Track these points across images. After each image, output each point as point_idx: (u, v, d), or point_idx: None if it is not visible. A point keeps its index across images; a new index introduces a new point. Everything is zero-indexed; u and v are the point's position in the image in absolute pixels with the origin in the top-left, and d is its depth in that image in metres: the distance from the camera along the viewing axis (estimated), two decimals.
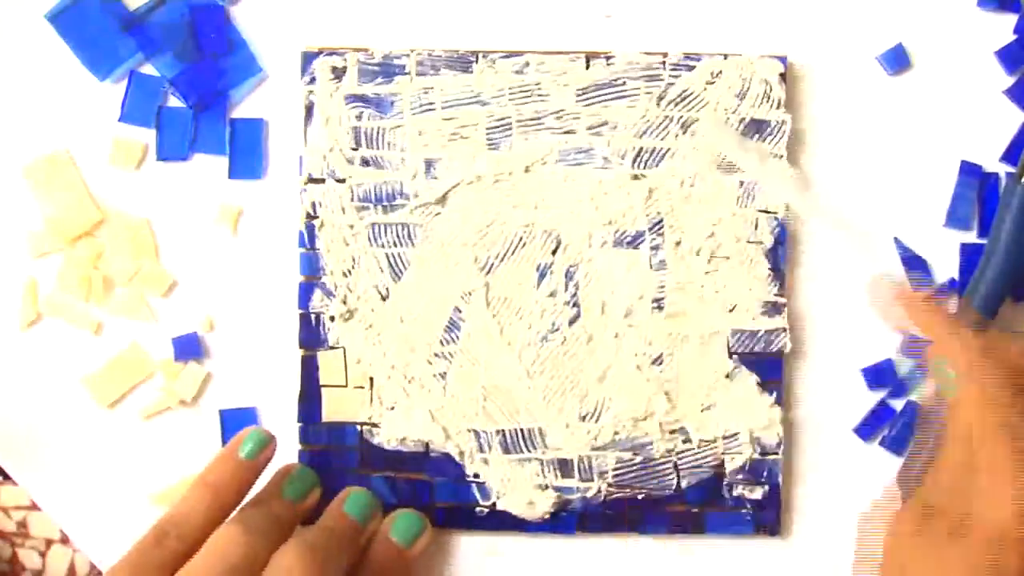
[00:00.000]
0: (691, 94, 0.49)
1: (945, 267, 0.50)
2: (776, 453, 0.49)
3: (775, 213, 0.49)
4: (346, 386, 0.49)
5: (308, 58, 0.49)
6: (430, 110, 0.49)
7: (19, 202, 0.51)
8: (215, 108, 0.50)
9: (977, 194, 0.50)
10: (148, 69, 0.50)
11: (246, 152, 0.50)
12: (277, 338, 0.50)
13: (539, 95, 0.49)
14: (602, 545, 0.50)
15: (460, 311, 0.49)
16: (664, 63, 0.49)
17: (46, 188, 0.50)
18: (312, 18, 0.51)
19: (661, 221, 0.49)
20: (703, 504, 0.50)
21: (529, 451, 0.49)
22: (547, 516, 0.49)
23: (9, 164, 0.51)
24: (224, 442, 0.51)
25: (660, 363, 0.49)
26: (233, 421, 0.50)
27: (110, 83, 0.50)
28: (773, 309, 0.49)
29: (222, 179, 0.51)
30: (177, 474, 0.51)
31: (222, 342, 0.51)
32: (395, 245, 0.49)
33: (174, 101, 0.50)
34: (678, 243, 0.49)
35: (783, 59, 0.49)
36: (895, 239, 0.50)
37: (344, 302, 0.49)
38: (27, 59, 0.51)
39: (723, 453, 0.49)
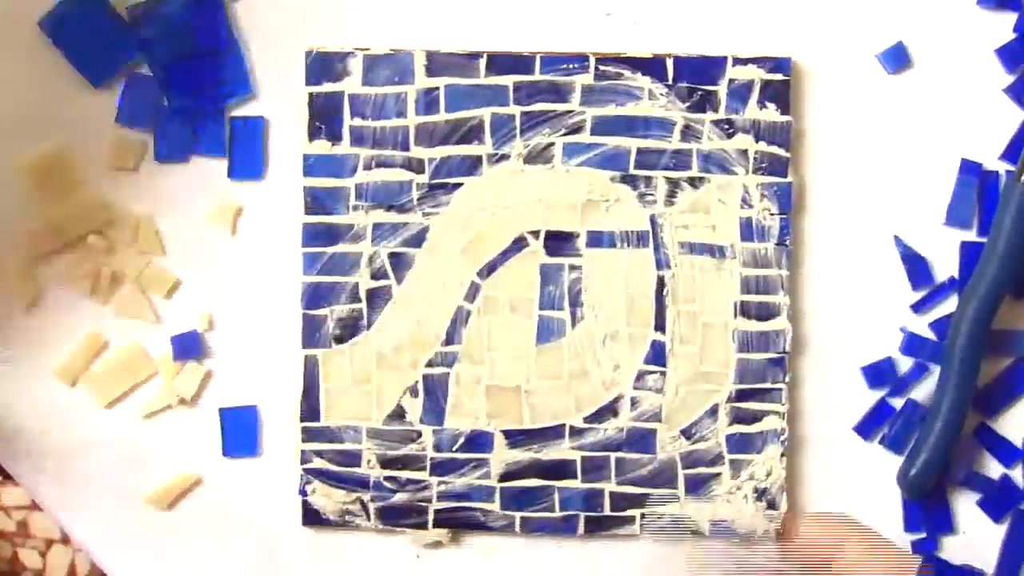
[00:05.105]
0: (691, 93, 0.49)
1: (945, 266, 0.50)
2: (776, 452, 0.49)
3: (777, 213, 0.49)
4: (348, 386, 0.50)
5: (309, 57, 0.49)
6: (433, 110, 0.49)
7: (19, 202, 0.50)
8: (214, 107, 0.50)
9: (977, 192, 0.50)
10: (146, 69, 0.50)
11: (246, 152, 0.50)
12: (277, 337, 0.50)
13: (542, 95, 0.49)
14: (602, 545, 0.50)
15: (463, 311, 0.49)
16: (666, 62, 0.49)
17: (46, 188, 0.50)
18: (313, 17, 0.50)
19: (663, 220, 0.49)
20: (704, 503, 0.50)
21: (531, 451, 0.49)
22: (552, 516, 0.50)
23: (9, 164, 0.50)
24: (224, 441, 0.51)
25: (663, 363, 0.49)
26: (233, 420, 0.50)
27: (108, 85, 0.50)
28: (774, 308, 0.49)
29: (222, 179, 0.51)
30: (176, 473, 0.51)
31: (222, 341, 0.51)
32: (398, 245, 0.49)
33: (173, 100, 0.50)
34: (681, 243, 0.49)
35: (784, 58, 0.49)
36: (895, 237, 0.50)
37: (347, 302, 0.49)
38: (26, 58, 0.50)
39: (724, 452, 0.49)
